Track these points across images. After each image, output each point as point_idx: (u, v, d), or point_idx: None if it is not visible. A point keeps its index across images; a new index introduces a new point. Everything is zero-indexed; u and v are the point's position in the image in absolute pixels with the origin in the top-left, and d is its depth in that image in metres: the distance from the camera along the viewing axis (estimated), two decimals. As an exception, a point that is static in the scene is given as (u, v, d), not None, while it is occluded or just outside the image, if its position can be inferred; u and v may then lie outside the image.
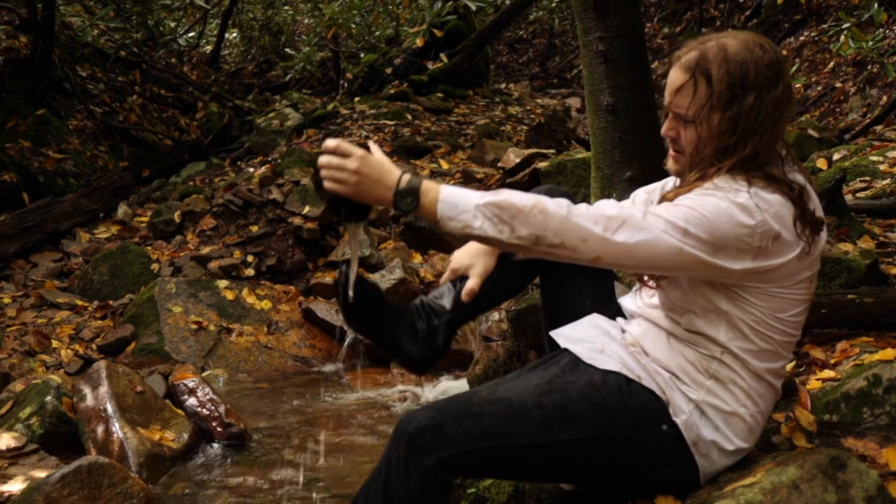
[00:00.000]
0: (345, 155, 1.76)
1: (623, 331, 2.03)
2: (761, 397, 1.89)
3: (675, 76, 1.84)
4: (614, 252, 1.75)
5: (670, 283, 1.91)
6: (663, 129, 1.91)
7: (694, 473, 1.87)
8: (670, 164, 1.95)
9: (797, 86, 9.31)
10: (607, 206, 1.79)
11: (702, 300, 1.85)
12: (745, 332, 1.84)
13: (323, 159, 1.77)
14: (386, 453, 1.80)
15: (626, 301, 2.12)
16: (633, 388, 1.87)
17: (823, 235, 1.85)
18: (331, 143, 1.78)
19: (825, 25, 9.63)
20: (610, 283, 2.16)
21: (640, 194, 2.21)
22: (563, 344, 2.01)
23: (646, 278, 1.98)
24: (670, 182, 2.13)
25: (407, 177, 1.78)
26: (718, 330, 1.85)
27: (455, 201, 1.75)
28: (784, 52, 10.91)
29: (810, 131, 6.78)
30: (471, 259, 2.16)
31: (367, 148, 1.80)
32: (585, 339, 1.99)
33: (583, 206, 1.79)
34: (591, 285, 2.13)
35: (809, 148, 6.33)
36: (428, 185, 1.77)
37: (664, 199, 1.86)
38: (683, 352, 1.90)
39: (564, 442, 1.81)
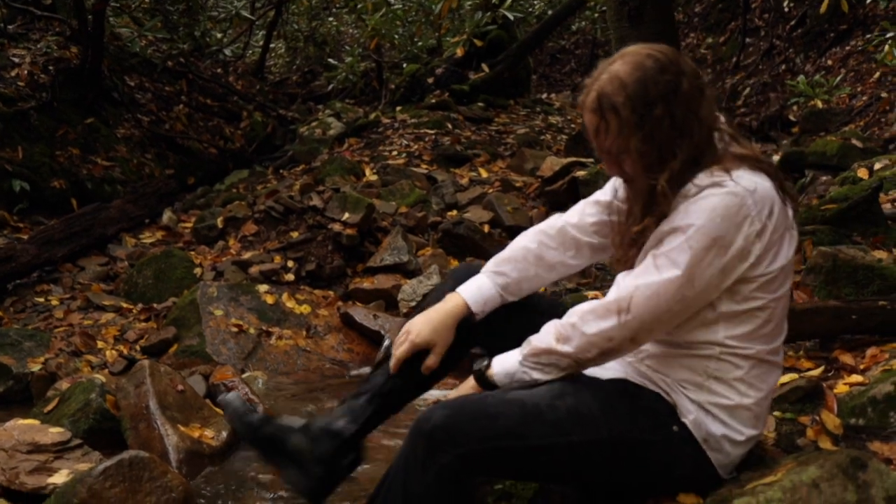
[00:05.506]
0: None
1: None
2: (764, 382, 1.89)
3: (588, 119, 1.85)
4: (642, 327, 1.81)
5: None
6: (607, 172, 1.94)
7: (711, 468, 1.89)
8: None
9: (842, 95, 9.22)
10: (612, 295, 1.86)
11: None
12: (743, 321, 1.83)
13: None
14: (402, 452, 1.84)
15: None
16: (641, 392, 1.90)
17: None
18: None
19: (870, 35, 9.52)
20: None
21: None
22: None
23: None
24: None
25: (478, 372, 2.03)
26: (716, 332, 1.84)
27: (504, 370, 1.97)
28: (829, 63, 10.82)
29: (854, 141, 6.71)
30: (433, 336, 2.12)
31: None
32: None
33: (586, 307, 1.86)
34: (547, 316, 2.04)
35: (853, 158, 6.26)
36: (488, 367, 2.02)
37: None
38: (679, 361, 1.90)
39: (578, 443, 1.83)
